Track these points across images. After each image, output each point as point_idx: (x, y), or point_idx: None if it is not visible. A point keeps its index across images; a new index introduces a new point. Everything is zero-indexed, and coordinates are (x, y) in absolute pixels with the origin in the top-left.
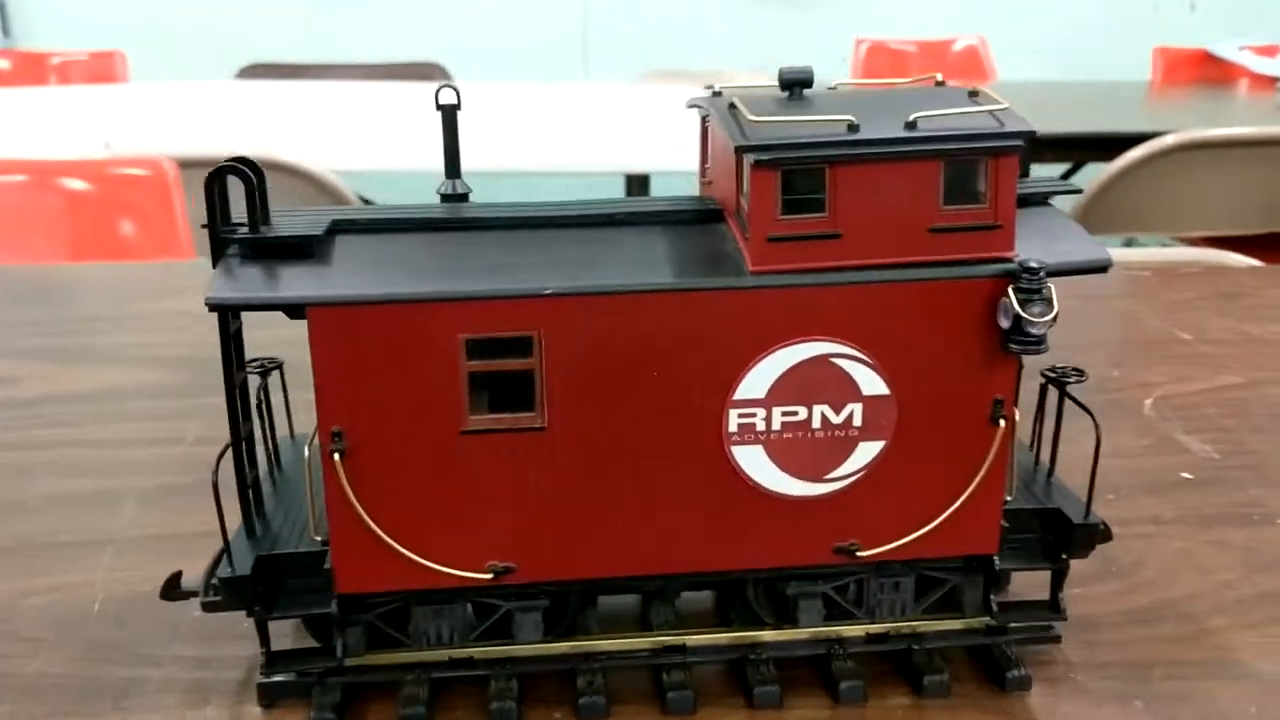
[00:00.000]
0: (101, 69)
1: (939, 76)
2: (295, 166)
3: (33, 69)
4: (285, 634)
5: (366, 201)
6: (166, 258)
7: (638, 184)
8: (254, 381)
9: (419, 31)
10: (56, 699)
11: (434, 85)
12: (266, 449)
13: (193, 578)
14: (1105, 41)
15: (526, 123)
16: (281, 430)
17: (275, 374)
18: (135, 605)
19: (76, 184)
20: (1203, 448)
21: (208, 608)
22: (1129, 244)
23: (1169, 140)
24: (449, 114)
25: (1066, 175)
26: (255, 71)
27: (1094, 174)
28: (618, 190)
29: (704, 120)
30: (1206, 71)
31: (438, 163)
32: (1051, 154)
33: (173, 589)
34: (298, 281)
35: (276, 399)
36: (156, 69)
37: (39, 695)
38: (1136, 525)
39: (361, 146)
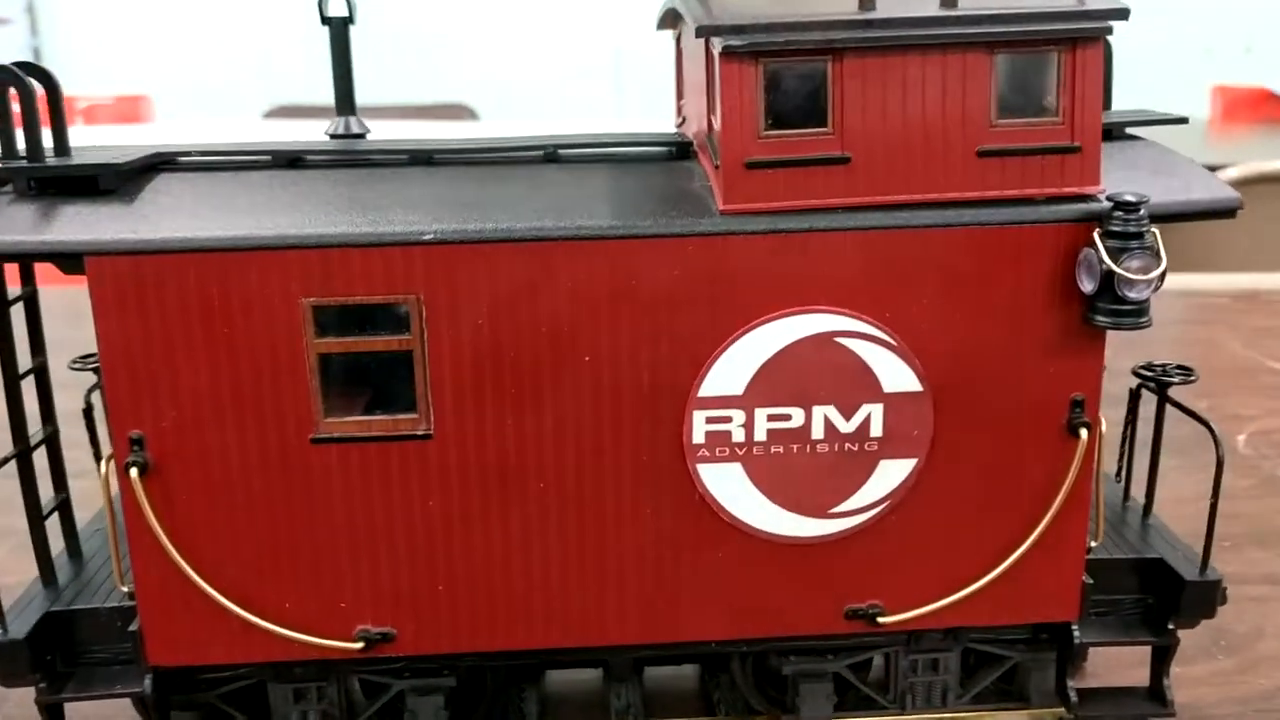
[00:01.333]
0: (128, 112)
1: None
2: None
3: None
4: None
5: None
6: None
7: None
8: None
9: (447, 72)
10: None
11: (464, 126)
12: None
13: None
14: (1158, 81)
15: None
16: None
17: None
18: None
19: None
20: None
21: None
22: None
23: (1232, 173)
24: (339, 30)
25: None
26: (283, 113)
27: None
28: None
29: (677, 41)
30: (1269, 110)
31: None
32: None
33: None
34: (78, 223)
35: None
36: (183, 113)
37: None
38: (1250, 585)
39: None
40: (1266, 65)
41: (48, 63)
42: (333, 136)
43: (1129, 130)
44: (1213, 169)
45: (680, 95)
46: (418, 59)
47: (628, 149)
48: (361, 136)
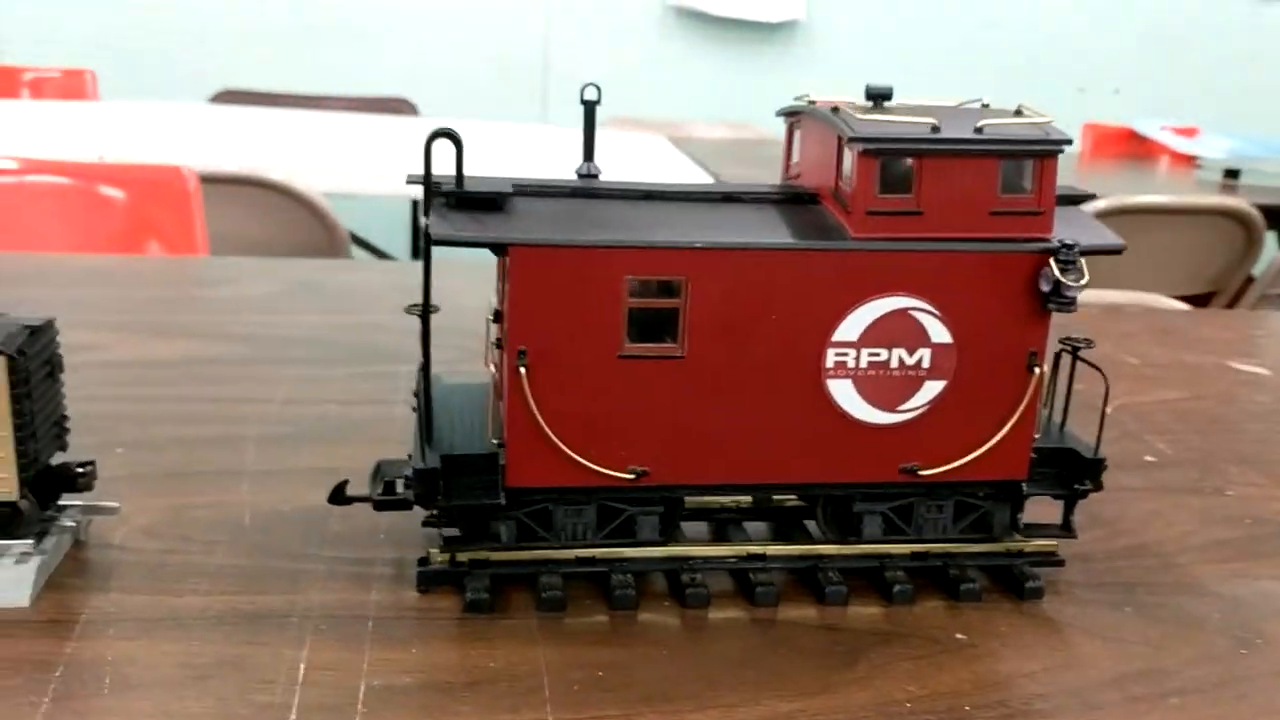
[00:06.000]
0: (73, 87)
1: (986, 100)
2: (284, 186)
3: (6, 82)
4: (417, 540)
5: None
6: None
7: None
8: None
9: (382, 67)
10: (242, 581)
11: (408, 120)
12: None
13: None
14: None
15: (493, 160)
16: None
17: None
18: (281, 520)
19: (104, 189)
20: (1159, 444)
21: (379, 507)
22: None
23: (1100, 205)
24: (590, 108)
25: None
26: (229, 98)
27: None
28: None
29: (791, 126)
30: (1131, 148)
31: (413, 192)
32: None
33: (340, 495)
34: (500, 227)
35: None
36: (126, 90)
37: (227, 579)
38: (1115, 492)
39: (341, 172)
40: (1132, 106)
41: None
42: (580, 176)
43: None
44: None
45: (789, 159)
46: (353, 52)
47: (778, 193)
48: (596, 177)
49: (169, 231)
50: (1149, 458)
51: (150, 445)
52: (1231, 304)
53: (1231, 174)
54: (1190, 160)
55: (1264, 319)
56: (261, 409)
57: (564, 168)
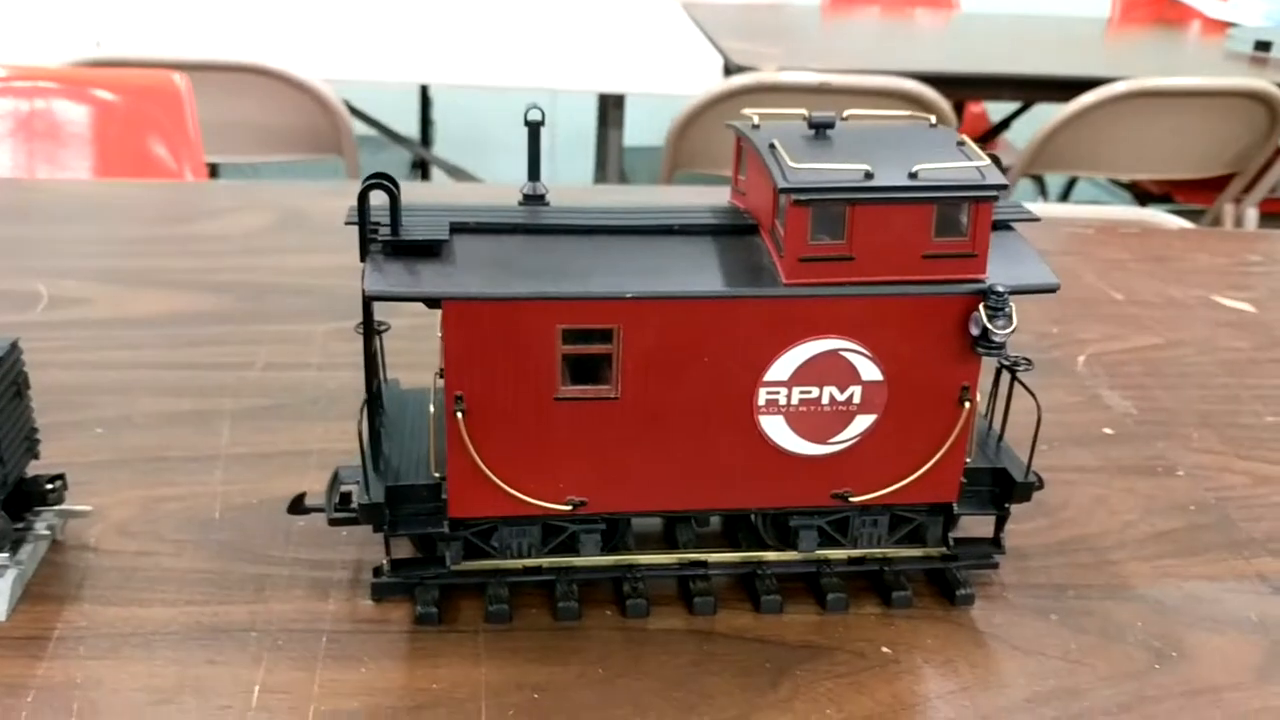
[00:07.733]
0: None
1: (933, 119)
2: (283, 74)
3: None
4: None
5: (353, 109)
6: (183, 169)
7: (613, 104)
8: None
9: None
10: (208, 589)
11: None
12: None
13: (313, 495)
14: None
15: (497, 34)
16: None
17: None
18: (250, 514)
19: (99, 94)
20: (1123, 404)
21: (333, 523)
22: (1070, 185)
23: (1120, 88)
24: (534, 129)
25: (1018, 113)
26: None
27: (1046, 112)
28: (590, 106)
29: (739, 140)
30: (1163, 11)
31: (417, 75)
32: (1008, 93)
33: (298, 506)
34: (435, 279)
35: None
36: None
37: (194, 586)
38: (1064, 473)
39: (342, 52)
40: None
41: None
42: (526, 197)
43: (1008, 220)
44: (1102, 81)
45: (738, 173)
46: None
47: (717, 225)
48: (543, 198)
49: (164, 136)
50: (1106, 430)
51: (128, 423)
52: (1251, 186)
53: (1263, 45)
54: (1223, 27)
55: (1260, 240)
56: (239, 377)
57: (565, 40)
